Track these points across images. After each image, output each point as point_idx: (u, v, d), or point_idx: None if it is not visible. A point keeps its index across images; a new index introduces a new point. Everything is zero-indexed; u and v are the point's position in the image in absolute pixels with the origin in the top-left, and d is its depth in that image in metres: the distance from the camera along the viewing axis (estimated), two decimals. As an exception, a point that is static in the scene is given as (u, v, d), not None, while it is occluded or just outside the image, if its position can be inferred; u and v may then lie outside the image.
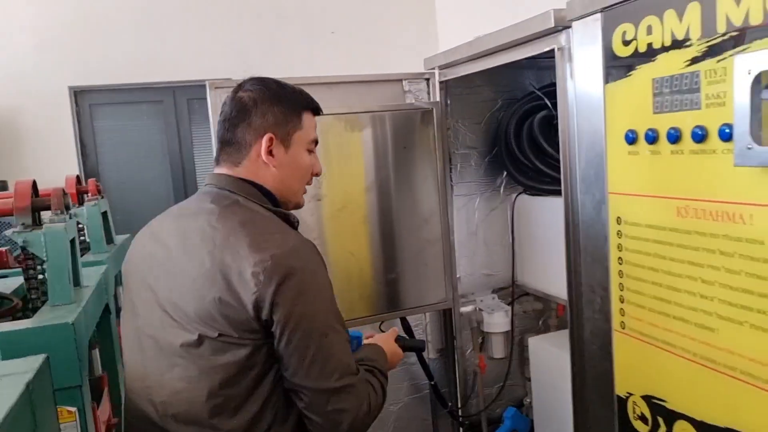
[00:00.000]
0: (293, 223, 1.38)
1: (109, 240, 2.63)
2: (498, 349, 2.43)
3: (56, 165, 4.54)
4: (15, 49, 4.69)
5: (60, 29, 4.76)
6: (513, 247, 2.45)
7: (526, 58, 1.78)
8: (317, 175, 1.45)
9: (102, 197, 2.68)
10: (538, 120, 2.23)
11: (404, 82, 2.34)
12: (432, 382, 2.42)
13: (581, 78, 1.52)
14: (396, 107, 2.16)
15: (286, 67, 5.15)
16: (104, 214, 2.60)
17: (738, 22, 1.08)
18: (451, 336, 2.44)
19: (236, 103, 1.34)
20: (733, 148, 1.07)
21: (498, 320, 2.39)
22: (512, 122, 2.31)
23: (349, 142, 2.09)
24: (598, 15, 1.41)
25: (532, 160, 2.22)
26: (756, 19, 1.05)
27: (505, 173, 2.46)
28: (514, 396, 2.56)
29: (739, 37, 1.08)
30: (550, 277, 2.19)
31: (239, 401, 1.21)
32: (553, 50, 1.63)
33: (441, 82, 2.30)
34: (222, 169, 1.35)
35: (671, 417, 1.35)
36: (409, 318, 2.33)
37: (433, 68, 2.32)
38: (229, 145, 1.35)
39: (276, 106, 1.33)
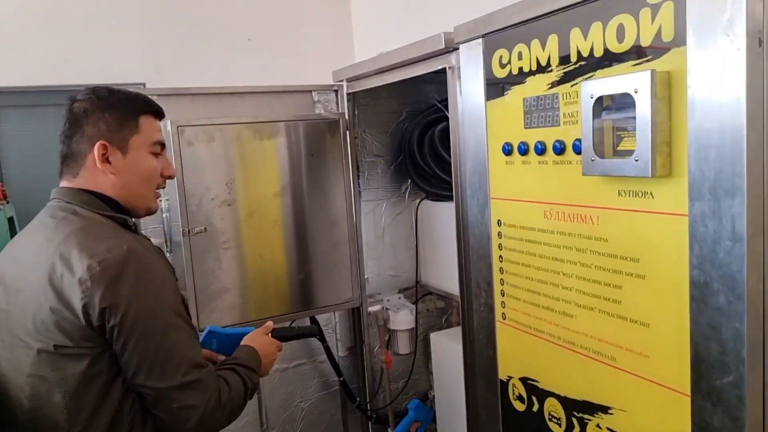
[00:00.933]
0: (131, 227, 1.38)
1: (16, 246, 2.59)
2: (403, 346, 2.58)
3: (-44, 169, 4.34)
4: None
5: (-40, 28, 4.57)
6: (417, 249, 2.62)
7: (427, 73, 1.94)
8: (170, 177, 1.46)
9: (7, 202, 2.64)
10: (439, 131, 2.39)
11: (314, 93, 2.46)
12: (341, 379, 2.54)
13: (468, 95, 1.69)
14: (305, 117, 2.28)
15: (201, 71, 5.13)
16: (10, 220, 2.57)
17: (585, 53, 1.27)
18: (359, 334, 2.58)
19: (70, 116, 1.36)
20: (582, 160, 1.26)
21: (403, 318, 2.54)
22: (415, 132, 2.47)
23: (260, 150, 2.19)
24: (480, 40, 1.58)
25: (432, 168, 2.39)
26: (598, 52, 1.24)
27: (409, 180, 2.62)
28: (419, 389, 2.72)
29: (587, 66, 1.27)
30: (450, 277, 2.36)
31: (89, 413, 1.23)
32: (445, 68, 1.80)
33: (349, 94, 2.43)
34: (63, 182, 1.37)
35: (542, 395, 1.53)
36: (319, 317, 2.45)
37: (341, 80, 2.45)
38: (68, 157, 1.36)
39: (107, 113, 1.34)
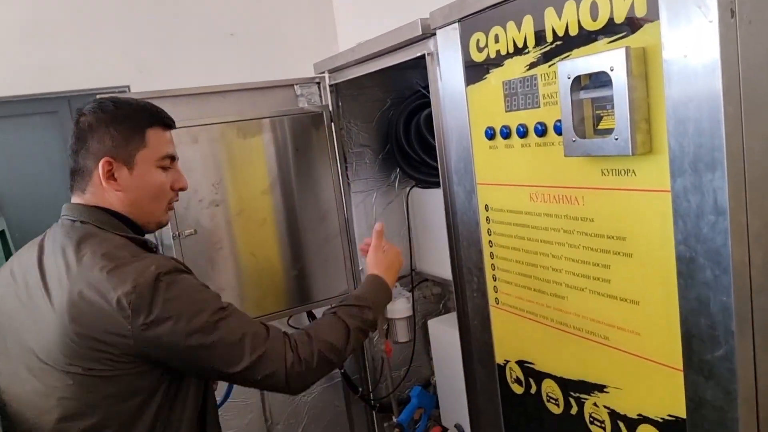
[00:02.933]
0: (152, 249, 1.37)
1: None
2: (402, 334, 2.58)
3: (-56, 183, 4.33)
4: None
5: (-61, 41, 4.53)
6: (410, 237, 2.62)
7: (408, 60, 1.93)
8: (181, 189, 1.44)
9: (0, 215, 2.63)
10: (424, 117, 2.38)
11: (296, 87, 2.44)
12: (342, 371, 2.55)
13: (448, 80, 1.67)
14: (287, 112, 2.26)
15: (183, 70, 5.09)
16: (1, 233, 2.56)
17: (561, 33, 1.26)
18: (357, 325, 2.58)
19: (76, 130, 1.34)
20: (563, 141, 1.25)
21: (400, 306, 2.54)
22: (401, 120, 2.45)
23: (245, 148, 2.18)
24: (456, 24, 1.56)
25: (420, 154, 2.38)
26: (573, 31, 1.23)
27: (398, 169, 2.61)
28: (420, 376, 2.73)
29: (563, 46, 1.26)
30: (444, 263, 2.34)
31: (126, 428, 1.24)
32: (424, 55, 1.78)
33: (331, 86, 2.41)
34: (74, 198, 1.36)
35: (539, 377, 1.54)
36: (315, 311, 2.45)
37: (323, 72, 2.43)
38: (75, 173, 1.35)
39: (112, 127, 1.31)
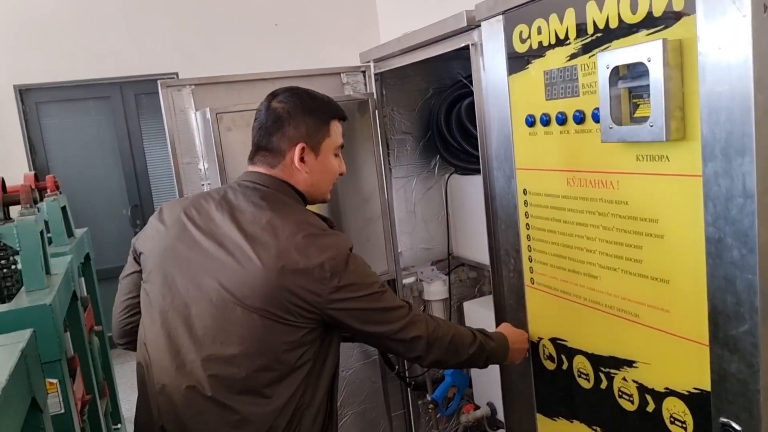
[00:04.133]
0: (332, 226, 1.57)
1: (70, 233, 2.76)
2: (438, 315, 2.67)
3: (5, 165, 4.57)
4: (-44, 50, 4.68)
5: (2, 27, 4.77)
6: (448, 222, 2.70)
7: (451, 51, 2.01)
8: (342, 174, 1.64)
9: (60, 193, 2.80)
10: (465, 106, 2.46)
11: (342, 75, 2.55)
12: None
13: (491, 70, 1.75)
14: (335, 98, 2.35)
15: (228, 59, 5.26)
16: (63, 209, 2.73)
17: (601, 25, 1.33)
18: (395, 305, 2.68)
19: (271, 113, 1.50)
20: (600, 128, 1.33)
21: (437, 289, 2.64)
22: (442, 109, 2.54)
23: (294, 132, 2.28)
24: (500, 17, 1.64)
25: (460, 142, 2.46)
26: (614, 24, 1.30)
27: (438, 156, 2.70)
28: (455, 357, 2.82)
29: (603, 37, 1.33)
30: (481, 248, 2.44)
31: (287, 375, 1.40)
32: (468, 45, 1.86)
33: (376, 74, 2.51)
34: (260, 168, 1.53)
35: (571, 353, 1.62)
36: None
37: (368, 61, 2.53)
38: (266, 150, 1.52)
39: (308, 117, 1.50)
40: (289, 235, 1.39)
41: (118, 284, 1.62)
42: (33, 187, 1.96)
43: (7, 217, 1.82)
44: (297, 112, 1.50)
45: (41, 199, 2.71)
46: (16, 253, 1.77)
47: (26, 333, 1.34)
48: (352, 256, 1.43)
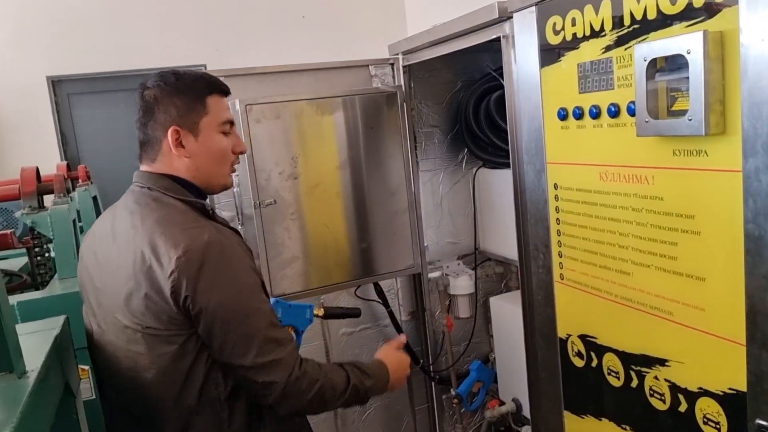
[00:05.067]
0: (209, 213, 1.45)
1: (100, 222, 2.80)
2: (464, 310, 2.66)
3: (38, 154, 4.65)
4: (-10, 42, 4.77)
5: (35, 20, 4.85)
6: (475, 216, 2.69)
7: (481, 43, 1.99)
8: (241, 153, 1.51)
9: (91, 182, 2.84)
10: (494, 99, 2.44)
11: (371, 67, 2.54)
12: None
13: (522, 62, 1.73)
14: (363, 91, 2.36)
15: (255, 51, 5.28)
16: (94, 198, 2.77)
17: (638, 17, 1.30)
18: (420, 299, 2.68)
19: (142, 103, 1.41)
20: (636, 122, 1.30)
21: (463, 283, 2.63)
22: (471, 102, 2.52)
23: (322, 125, 2.29)
24: (533, 8, 1.62)
25: (489, 136, 2.44)
26: (651, 15, 1.27)
27: (465, 149, 2.68)
28: (480, 352, 2.81)
29: (640, 29, 1.30)
30: (508, 243, 2.42)
31: (179, 386, 1.34)
32: (499, 37, 1.84)
33: (404, 67, 2.50)
34: (143, 167, 1.45)
35: (601, 351, 1.60)
36: (381, 283, 2.56)
37: (397, 54, 2.52)
38: (145, 143, 1.43)
39: (176, 98, 1.38)
40: (145, 233, 1.32)
41: None
42: (65, 176, 1.98)
43: (41, 206, 1.85)
44: (164, 95, 1.38)
45: (73, 189, 2.75)
46: (50, 241, 1.80)
47: (59, 320, 1.35)
48: (215, 252, 1.30)
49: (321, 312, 2.06)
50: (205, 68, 5.10)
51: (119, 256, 1.36)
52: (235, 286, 1.33)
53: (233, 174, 1.54)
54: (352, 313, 2.18)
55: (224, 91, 1.47)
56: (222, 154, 1.45)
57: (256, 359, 1.31)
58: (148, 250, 1.29)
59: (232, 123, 1.48)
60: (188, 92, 1.40)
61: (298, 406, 1.37)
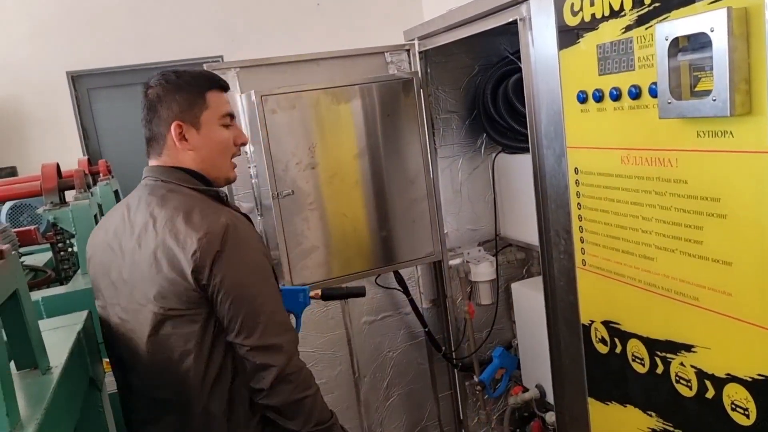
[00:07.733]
0: (223, 199, 1.52)
1: (122, 216, 2.82)
2: (485, 297, 2.65)
3: (59, 149, 4.71)
4: (10, 38, 4.83)
5: (53, 15, 4.89)
6: (495, 202, 2.66)
7: (498, 26, 1.95)
8: (243, 144, 1.58)
9: (112, 177, 2.87)
10: (512, 83, 2.40)
11: (386, 54, 2.51)
12: (426, 329, 2.64)
13: (540, 45, 1.70)
14: (379, 79, 2.34)
15: (272, 41, 5.28)
16: (115, 193, 2.79)
17: (659, -5, 1.26)
18: (441, 286, 2.67)
19: (146, 102, 1.49)
20: (658, 103, 1.27)
21: (484, 270, 2.61)
22: (488, 86, 2.48)
23: (339, 114, 2.27)
24: (550, -11, 1.59)
25: (507, 120, 2.41)
26: (673, -8, 1.23)
27: (484, 134, 2.65)
28: (502, 338, 2.80)
29: (661, 7, 1.27)
30: (529, 228, 2.39)
31: (204, 365, 1.38)
32: (516, 20, 1.81)
33: (420, 52, 2.47)
34: (152, 162, 1.52)
35: (625, 337, 1.57)
36: (402, 271, 2.55)
37: (413, 39, 2.49)
38: (151, 140, 1.51)
39: (178, 95, 1.46)
40: (167, 222, 1.37)
41: None
42: (86, 172, 2.00)
43: (63, 202, 1.87)
44: (166, 93, 1.47)
45: (94, 184, 2.78)
46: (72, 236, 1.82)
47: (83, 314, 1.37)
48: (232, 235, 1.36)
49: (318, 293, 2.01)
50: (222, 60, 5.11)
51: (141, 246, 1.40)
52: (250, 266, 1.40)
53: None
54: (356, 293, 2.16)
55: (223, 87, 1.54)
56: (224, 146, 1.53)
57: (259, 340, 1.36)
58: (169, 236, 1.36)
59: (232, 116, 1.55)
60: (189, 88, 1.48)
61: (283, 401, 1.38)
